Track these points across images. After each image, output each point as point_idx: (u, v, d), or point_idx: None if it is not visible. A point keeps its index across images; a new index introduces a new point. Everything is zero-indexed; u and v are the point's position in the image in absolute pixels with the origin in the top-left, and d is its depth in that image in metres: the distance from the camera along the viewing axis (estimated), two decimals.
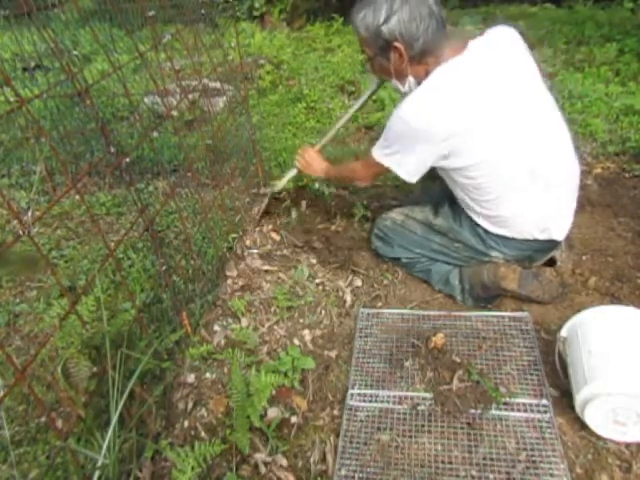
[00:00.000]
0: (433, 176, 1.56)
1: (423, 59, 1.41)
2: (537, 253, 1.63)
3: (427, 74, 1.40)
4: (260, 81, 3.61)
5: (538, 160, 1.45)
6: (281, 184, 2.09)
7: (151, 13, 1.36)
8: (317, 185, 2.32)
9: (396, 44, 1.38)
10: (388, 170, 1.54)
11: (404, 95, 1.50)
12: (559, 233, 1.57)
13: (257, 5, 4.86)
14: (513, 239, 1.57)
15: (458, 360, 1.47)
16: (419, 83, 1.42)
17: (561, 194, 1.54)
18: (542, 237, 1.56)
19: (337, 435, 1.32)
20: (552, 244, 1.61)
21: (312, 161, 1.90)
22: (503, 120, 1.39)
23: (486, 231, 1.59)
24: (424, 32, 1.35)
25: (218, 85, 2.30)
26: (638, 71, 3.15)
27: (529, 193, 1.48)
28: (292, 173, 2.03)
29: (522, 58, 1.45)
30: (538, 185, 1.47)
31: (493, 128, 1.38)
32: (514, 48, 1.45)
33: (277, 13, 4.96)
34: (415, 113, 1.37)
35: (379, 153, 1.54)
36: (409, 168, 1.49)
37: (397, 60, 1.42)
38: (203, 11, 1.80)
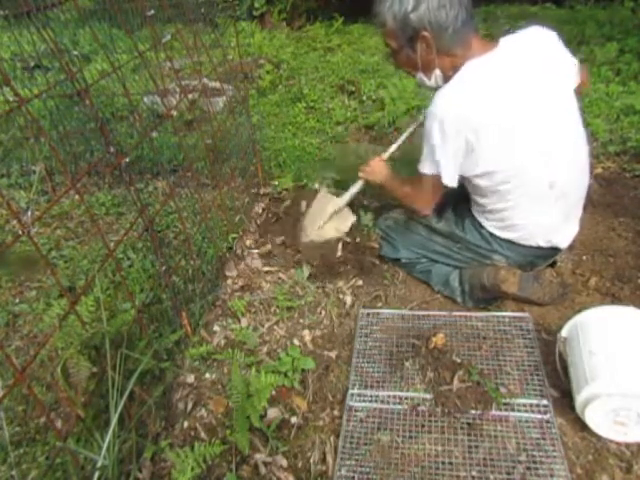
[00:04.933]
0: None
1: (451, 50, 1.36)
2: (539, 259, 1.63)
3: (454, 68, 1.36)
4: (260, 81, 3.61)
5: (559, 171, 1.43)
6: (345, 198, 1.98)
7: (151, 13, 1.36)
8: (317, 185, 2.31)
9: (424, 33, 1.32)
10: (443, 187, 1.46)
11: (429, 89, 1.46)
12: (564, 241, 1.58)
13: (257, 5, 4.85)
14: (518, 244, 1.56)
15: (458, 360, 1.46)
16: (446, 76, 1.39)
17: (571, 205, 1.54)
18: (547, 245, 1.56)
19: (337, 435, 1.32)
20: (555, 251, 1.61)
21: (375, 167, 1.81)
22: (531, 127, 1.36)
23: (492, 234, 1.58)
24: (453, 20, 1.30)
25: (218, 85, 2.30)
26: (639, 71, 3.15)
27: (545, 203, 1.47)
28: (358, 185, 1.94)
29: (553, 64, 1.40)
30: (555, 196, 1.45)
31: (521, 133, 1.36)
32: (547, 52, 1.40)
33: (277, 13, 4.95)
34: (446, 105, 1.33)
35: (421, 163, 1.47)
36: (446, 168, 1.41)
37: (424, 51, 1.37)
38: (203, 11, 1.80)
